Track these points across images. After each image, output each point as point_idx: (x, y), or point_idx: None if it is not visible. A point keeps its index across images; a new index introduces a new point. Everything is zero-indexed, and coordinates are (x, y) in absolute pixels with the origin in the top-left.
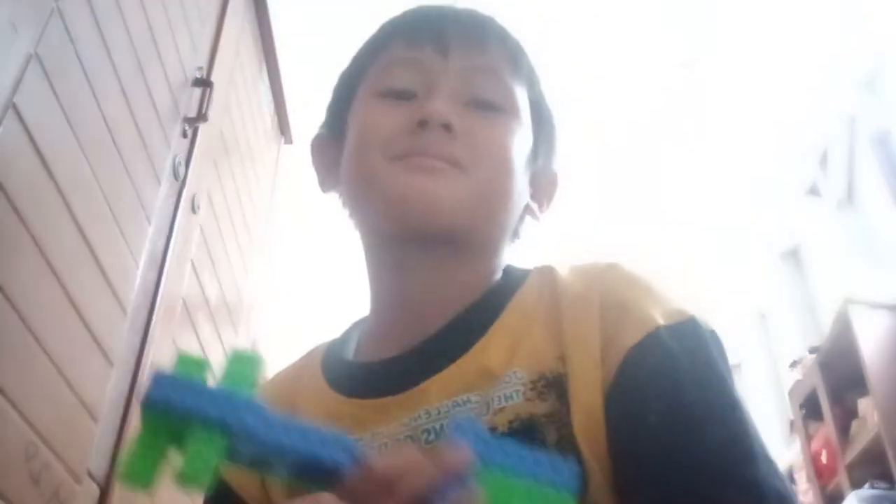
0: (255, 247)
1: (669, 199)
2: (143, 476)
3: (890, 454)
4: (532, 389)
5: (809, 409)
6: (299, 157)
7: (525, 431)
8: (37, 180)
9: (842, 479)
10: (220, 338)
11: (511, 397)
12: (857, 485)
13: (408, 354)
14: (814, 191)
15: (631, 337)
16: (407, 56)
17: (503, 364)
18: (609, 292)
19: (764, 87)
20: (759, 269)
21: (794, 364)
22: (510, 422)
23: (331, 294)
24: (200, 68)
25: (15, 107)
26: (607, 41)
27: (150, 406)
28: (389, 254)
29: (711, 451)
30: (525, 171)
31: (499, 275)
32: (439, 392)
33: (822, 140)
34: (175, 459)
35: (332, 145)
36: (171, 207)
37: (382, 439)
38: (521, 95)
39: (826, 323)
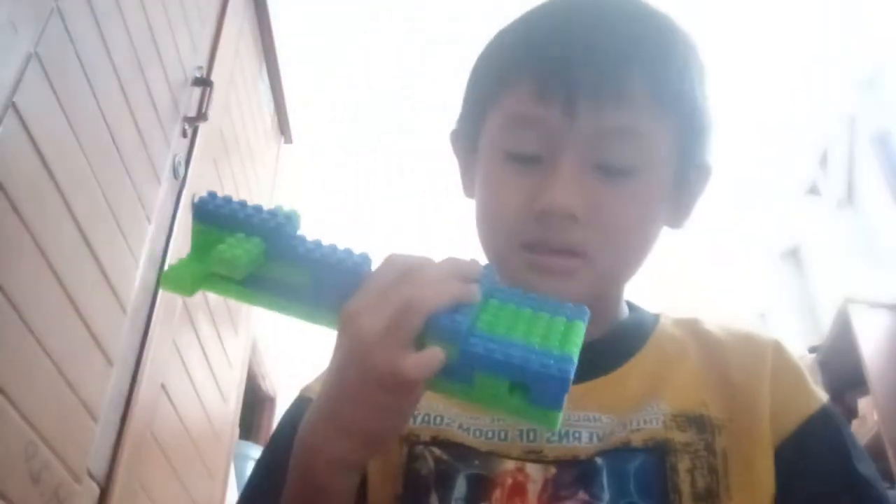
0: None
1: None
2: (185, 281)
3: (890, 454)
4: (672, 420)
5: None
6: (299, 157)
7: (658, 451)
8: (37, 180)
9: None
10: (220, 338)
11: (650, 422)
12: None
13: None
14: (814, 190)
15: (806, 407)
16: (532, 114)
17: (639, 396)
18: (780, 366)
19: (763, 87)
20: (758, 269)
21: None
22: (645, 440)
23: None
24: (200, 68)
25: (15, 106)
26: None
27: (198, 212)
28: None
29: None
30: (663, 207)
31: (622, 302)
32: (574, 402)
33: (822, 140)
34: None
35: (466, 146)
36: (171, 207)
37: (503, 426)
38: (665, 132)
39: (826, 323)
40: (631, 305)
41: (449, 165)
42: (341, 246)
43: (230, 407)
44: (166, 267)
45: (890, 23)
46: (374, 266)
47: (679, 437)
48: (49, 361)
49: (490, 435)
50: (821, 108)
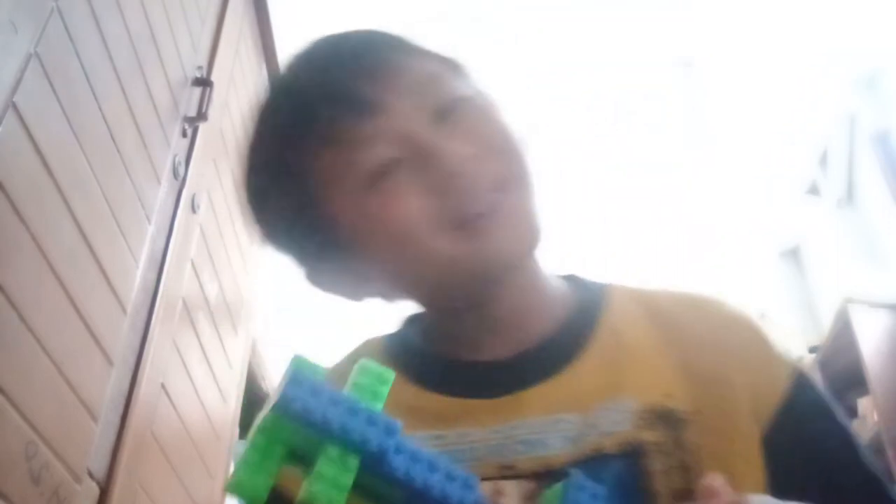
0: (254, 247)
1: (668, 198)
2: (256, 489)
3: (890, 454)
4: (641, 419)
5: None
6: None
7: (633, 455)
8: (37, 180)
9: None
10: (220, 338)
11: (620, 423)
12: None
13: (504, 362)
14: (813, 190)
15: (783, 379)
16: (353, 141)
17: (601, 388)
18: (745, 337)
19: (763, 87)
20: (759, 269)
21: None
22: (619, 445)
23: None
24: (200, 68)
25: (15, 106)
26: (606, 40)
27: (285, 412)
28: (471, 307)
29: (868, 459)
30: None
31: (548, 277)
32: (537, 406)
33: (822, 139)
34: (292, 474)
35: (332, 265)
36: (171, 207)
37: (471, 441)
38: (458, 76)
39: (826, 322)
40: (571, 279)
41: None
42: (442, 464)
43: (230, 407)
44: (234, 470)
45: (890, 23)
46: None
47: (649, 436)
48: (49, 361)
49: (460, 455)
50: (820, 108)
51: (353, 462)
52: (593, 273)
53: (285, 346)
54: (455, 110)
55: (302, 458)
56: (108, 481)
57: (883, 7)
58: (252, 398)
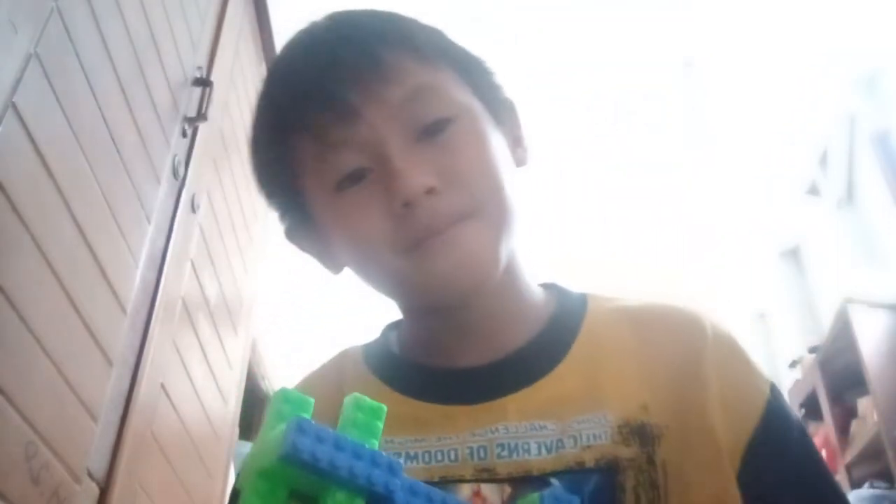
0: (254, 247)
1: (668, 198)
2: None
3: (889, 454)
4: (619, 433)
5: (809, 409)
6: None
7: (609, 471)
8: (37, 180)
9: (841, 478)
10: (219, 338)
11: (599, 437)
12: (856, 484)
13: (482, 369)
14: (813, 190)
15: (759, 397)
16: (325, 143)
17: (579, 398)
18: (723, 353)
19: (763, 87)
20: (758, 269)
21: (793, 364)
22: (597, 460)
23: (330, 294)
24: (200, 67)
25: (15, 106)
26: (606, 40)
27: (293, 461)
28: (441, 311)
29: (833, 481)
30: (501, 143)
31: (531, 288)
32: (516, 412)
33: (822, 139)
34: None
35: (307, 232)
36: (171, 207)
37: (450, 445)
38: (450, 80)
39: (826, 323)
40: (552, 287)
41: None
42: (441, 499)
43: (230, 407)
44: None
45: (890, 23)
46: None
47: (625, 452)
48: (49, 361)
49: (440, 457)
50: (820, 108)
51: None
52: (592, 274)
53: (285, 346)
54: (435, 132)
55: (304, 500)
56: (107, 481)
57: (883, 7)
58: (252, 398)
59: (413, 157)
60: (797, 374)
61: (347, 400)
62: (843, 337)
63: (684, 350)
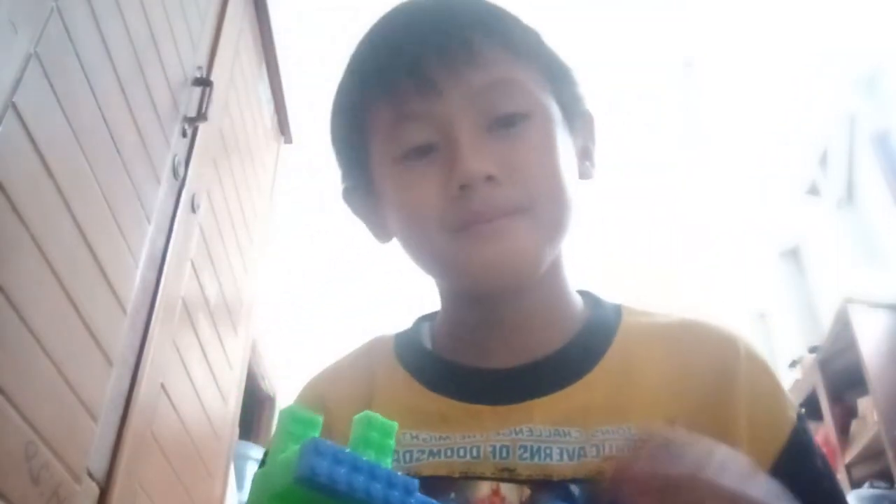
0: (255, 247)
1: (668, 198)
2: None
3: (889, 454)
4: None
5: (809, 409)
6: (299, 157)
7: None
8: (37, 180)
9: (841, 478)
10: (219, 338)
11: (622, 449)
12: (856, 484)
13: (512, 372)
14: (813, 190)
15: (786, 423)
16: (402, 113)
17: (605, 408)
18: (755, 377)
19: (763, 87)
20: (758, 269)
21: (793, 364)
22: None
23: (331, 294)
24: (200, 67)
25: (15, 106)
26: (604, 40)
27: (307, 481)
28: (479, 302)
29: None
30: (569, 152)
31: (572, 292)
32: (542, 416)
33: (822, 139)
34: None
35: (364, 197)
36: (171, 207)
37: (474, 443)
38: (534, 79)
39: (826, 323)
40: (586, 295)
41: None
42: None
43: (230, 407)
44: None
45: (890, 23)
46: None
47: None
48: (49, 361)
49: (462, 453)
50: (820, 108)
51: None
52: (591, 274)
53: (285, 346)
54: (508, 124)
55: None
56: (107, 481)
57: (882, 7)
58: (252, 398)
59: (481, 143)
60: (797, 374)
61: (359, 418)
62: (843, 337)
63: (716, 369)
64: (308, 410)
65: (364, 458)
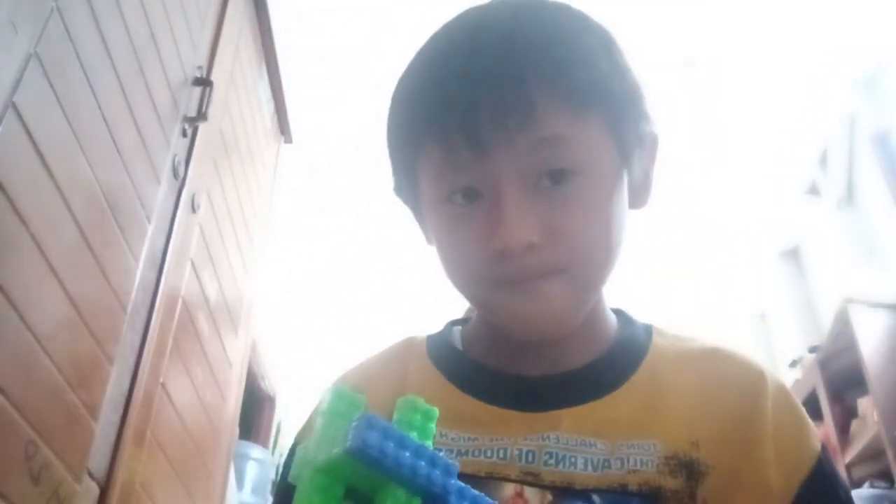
0: (254, 246)
1: (668, 198)
2: None
3: (889, 454)
4: (665, 464)
5: (809, 409)
6: (299, 157)
7: (651, 498)
8: (37, 180)
9: None
10: (220, 338)
11: (645, 464)
12: (856, 484)
13: (543, 380)
14: (813, 190)
15: (809, 456)
16: (450, 159)
17: (632, 423)
18: (782, 408)
19: (763, 87)
20: (758, 269)
21: (793, 363)
22: (640, 485)
23: (331, 293)
24: (200, 67)
25: (15, 106)
26: None
27: (359, 453)
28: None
29: None
30: (622, 202)
31: (608, 312)
32: (570, 425)
33: (822, 139)
34: None
35: (413, 205)
36: (171, 207)
37: (502, 445)
38: (595, 129)
39: (826, 323)
40: (620, 314)
41: None
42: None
43: (230, 406)
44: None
45: (890, 23)
46: None
47: (671, 483)
48: (49, 361)
49: (489, 454)
50: (820, 108)
51: (417, 503)
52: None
53: (285, 346)
54: (557, 181)
55: (358, 495)
56: (108, 481)
57: (883, 7)
58: (252, 398)
59: (526, 204)
60: (797, 373)
61: (402, 401)
62: (843, 337)
63: (744, 397)
64: (352, 391)
65: (410, 438)
